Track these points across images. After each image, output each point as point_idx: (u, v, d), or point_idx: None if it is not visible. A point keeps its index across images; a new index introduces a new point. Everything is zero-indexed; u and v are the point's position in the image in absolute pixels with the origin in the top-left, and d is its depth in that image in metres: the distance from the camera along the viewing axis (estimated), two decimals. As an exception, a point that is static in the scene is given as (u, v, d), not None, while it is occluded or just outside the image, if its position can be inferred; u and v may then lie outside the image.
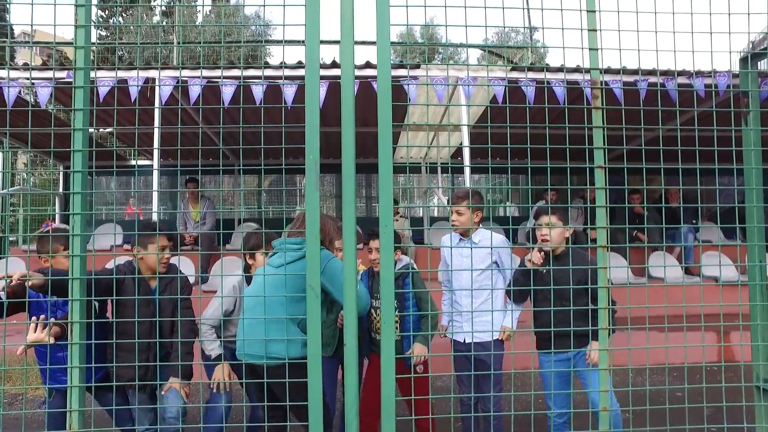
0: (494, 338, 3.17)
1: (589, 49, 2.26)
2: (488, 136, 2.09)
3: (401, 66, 5.83)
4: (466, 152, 5.40)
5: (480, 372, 3.16)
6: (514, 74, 5.84)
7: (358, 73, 5.43)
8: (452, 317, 3.42)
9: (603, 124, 2.26)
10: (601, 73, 2.30)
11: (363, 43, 7.36)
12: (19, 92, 5.28)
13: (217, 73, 5.48)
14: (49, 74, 5.34)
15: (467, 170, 5.36)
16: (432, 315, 3.21)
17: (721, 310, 2.18)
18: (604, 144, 2.26)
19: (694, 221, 8.03)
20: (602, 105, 2.27)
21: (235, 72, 5.57)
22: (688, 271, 7.40)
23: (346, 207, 2.06)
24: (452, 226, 3.30)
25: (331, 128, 4.73)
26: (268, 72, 5.66)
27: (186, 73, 5.52)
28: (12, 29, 11.85)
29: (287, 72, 5.68)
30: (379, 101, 2.01)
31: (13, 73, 5.43)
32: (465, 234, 3.35)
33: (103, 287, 2.50)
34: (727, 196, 9.44)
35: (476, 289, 3.18)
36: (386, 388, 2.03)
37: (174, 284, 2.99)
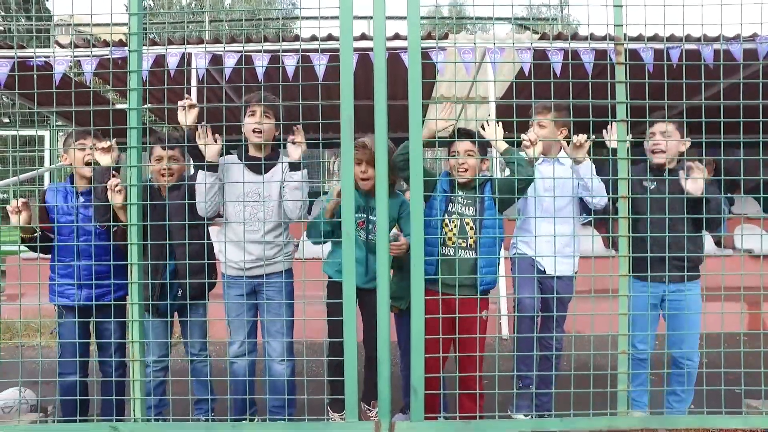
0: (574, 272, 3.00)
1: (614, 6, 2.34)
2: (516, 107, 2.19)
3: (428, 37, 5.88)
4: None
5: (555, 307, 2.86)
6: (542, 44, 5.84)
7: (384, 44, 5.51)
8: (531, 245, 2.92)
9: (626, 78, 2.35)
10: (624, 29, 2.38)
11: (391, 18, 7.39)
12: (66, 69, 5.55)
13: (250, 48, 5.65)
14: (92, 52, 5.58)
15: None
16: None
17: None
18: (626, 98, 2.34)
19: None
20: (625, 61, 2.36)
21: (267, 46, 5.72)
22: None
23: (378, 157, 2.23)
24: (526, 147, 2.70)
25: (359, 101, 4.82)
26: (299, 46, 5.80)
27: (221, 48, 5.71)
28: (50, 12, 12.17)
29: (320, 46, 5.80)
30: (409, 58, 2.16)
31: (59, 53, 5.70)
32: (547, 153, 3.00)
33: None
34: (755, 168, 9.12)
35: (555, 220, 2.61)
36: (416, 322, 2.20)
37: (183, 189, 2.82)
